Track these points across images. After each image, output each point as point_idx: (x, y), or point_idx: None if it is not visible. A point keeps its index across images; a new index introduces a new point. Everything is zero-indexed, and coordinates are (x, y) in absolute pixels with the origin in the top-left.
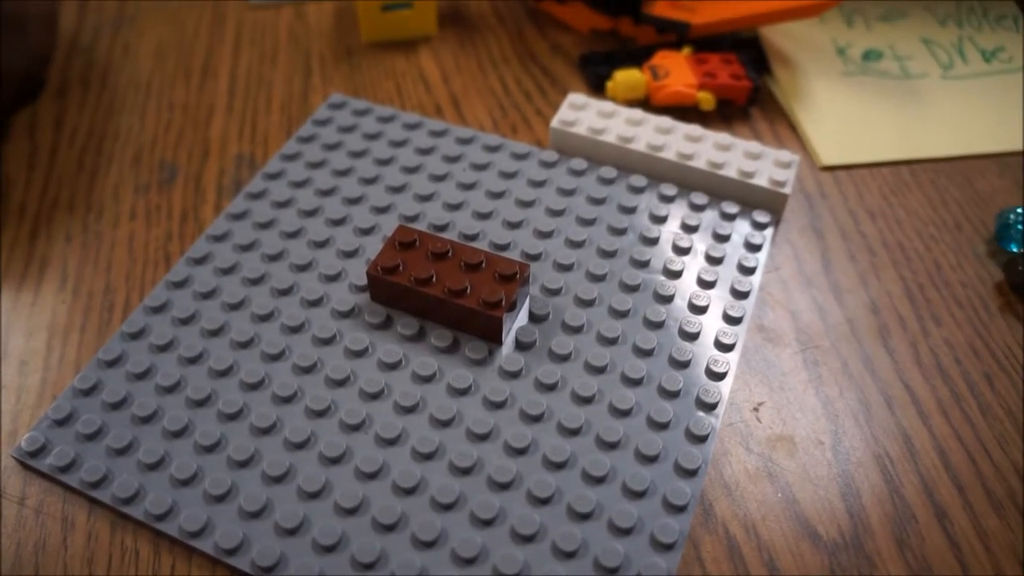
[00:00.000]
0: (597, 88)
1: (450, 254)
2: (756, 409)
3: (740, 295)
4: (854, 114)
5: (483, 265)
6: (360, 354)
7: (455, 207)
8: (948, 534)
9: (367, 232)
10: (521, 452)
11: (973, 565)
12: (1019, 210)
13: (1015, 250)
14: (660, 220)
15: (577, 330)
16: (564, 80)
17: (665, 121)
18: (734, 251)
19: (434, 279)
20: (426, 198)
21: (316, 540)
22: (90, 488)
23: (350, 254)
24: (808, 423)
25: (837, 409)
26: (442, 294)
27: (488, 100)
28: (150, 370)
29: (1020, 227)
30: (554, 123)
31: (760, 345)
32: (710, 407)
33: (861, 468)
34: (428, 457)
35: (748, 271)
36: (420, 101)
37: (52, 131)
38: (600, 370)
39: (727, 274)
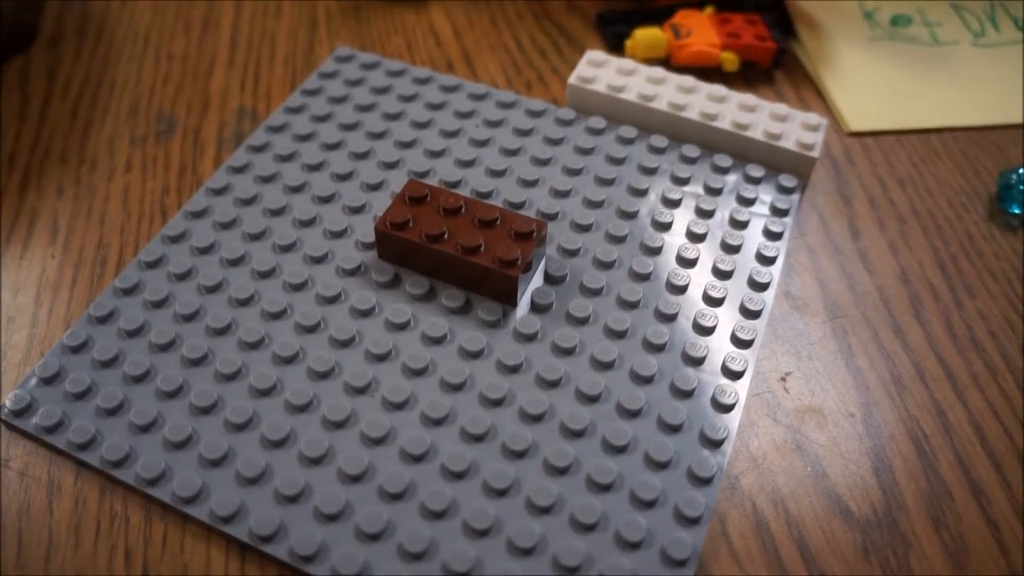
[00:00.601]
0: (615, 48)
1: (463, 210)
2: (784, 379)
3: (766, 261)
4: (882, 80)
5: (498, 222)
6: (366, 314)
7: (467, 164)
8: (985, 512)
9: (375, 188)
10: (537, 419)
11: (1012, 545)
12: (1021, 171)
13: (1016, 211)
14: (682, 182)
15: (596, 293)
16: (581, 39)
17: (688, 80)
18: (760, 216)
19: (446, 236)
20: (437, 154)
21: (318, 508)
22: (78, 450)
23: (357, 210)
24: (838, 395)
25: (868, 381)
26: (454, 251)
27: (502, 57)
28: (143, 327)
29: (1022, 187)
30: (572, 79)
31: (787, 313)
32: (736, 375)
33: (894, 443)
34: (438, 423)
35: (775, 236)
36: (431, 57)
37: (45, 81)
38: (621, 335)
39: (752, 239)
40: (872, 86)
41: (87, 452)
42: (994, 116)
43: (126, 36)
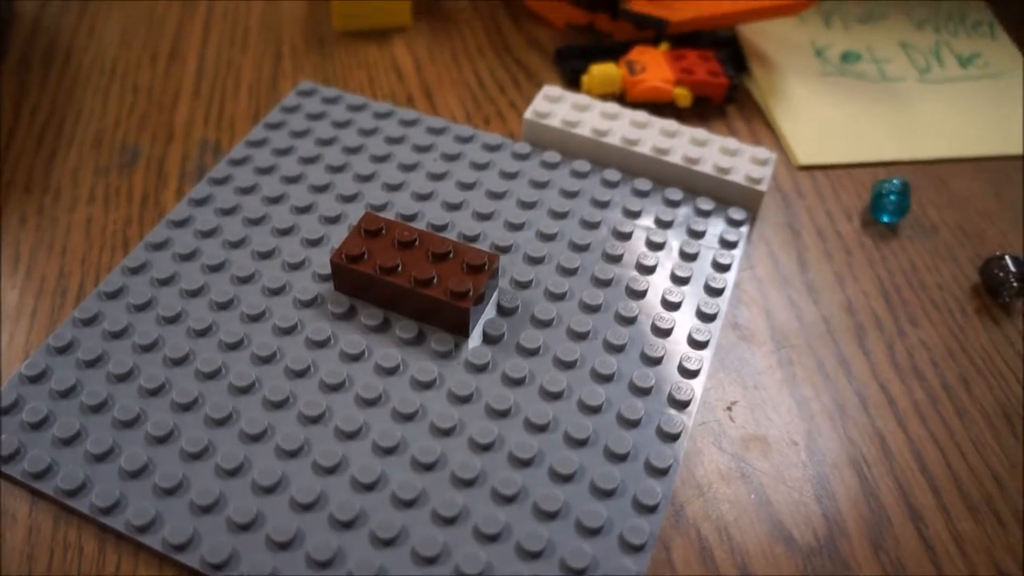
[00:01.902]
0: (573, 82)
1: (417, 243)
2: (729, 408)
3: (714, 292)
4: (831, 115)
5: (451, 255)
6: (321, 344)
7: (424, 197)
8: (923, 537)
9: (333, 221)
10: (486, 448)
11: (948, 568)
12: (895, 181)
13: (886, 220)
14: (634, 215)
15: (547, 324)
16: (539, 74)
17: (641, 115)
18: (709, 248)
19: (400, 268)
20: (395, 187)
21: (270, 536)
22: (33, 479)
23: (314, 242)
24: (782, 423)
25: (812, 409)
26: (408, 284)
27: (461, 92)
28: (102, 357)
29: (892, 197)
30: (528, 114)
31: (734, 343)
32: (682, 405)
33: (836, 470)
34: (389, 452)
35: (723, 268)
36: (392, 91)
37: (10, 110)
38: (570, 365)
39: (701, 271)
40: (822, 121)
41: (42, 481)
42: (938, 150)
43: (92, 66)
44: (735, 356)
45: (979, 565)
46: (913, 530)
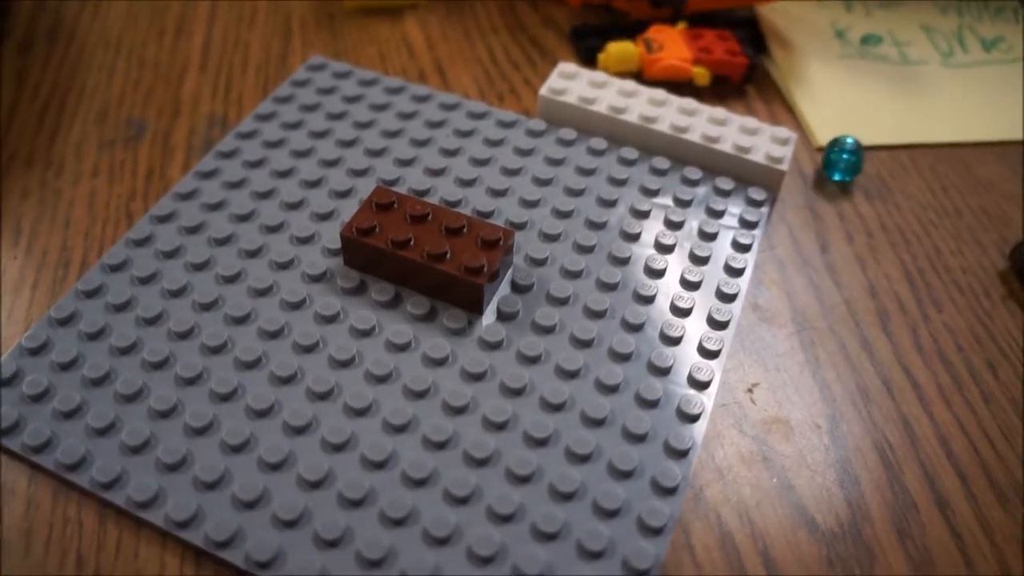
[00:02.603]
0: (588, 61)
1: (430, 217)
2: (750, 390)
3: (735, 272)
4: (852, 97)
5: (465, 230)
6: (331, 320)
7: (437, 173)
8: (950, 524)
9: (343, 195)
10: (500, 427)
11: (976, 557)
12: (849, 140)
13: (837, 179)
14: (652, 193)
15: (563, 302)
16: (555, 52)
17: (659, 93)
18: (728, 228)
19: (412, 242)
20: (407, 163)
21: (277, 514)
22: (32, 453)
23: (324, 216)
24: (804, 406)
25: (835, 393)
26: (420, 258)
27: (475, 69)
28: (104, 330)
29: (845, 156)
30: (543, 91)
31: (755, 324)
32: (702, 385)
33: (860, 454)
34: (400, 430)
35: (743, 248)
36: (404, 67)
37: (13, 85)
38: (586, 344)
39: (721, 250)
40: (842, 102)
41: (42, 455)
42: (961, 134)
43: (98, 41)
44: (755, 337)
45: (1009, 554)
46: (940, 517)
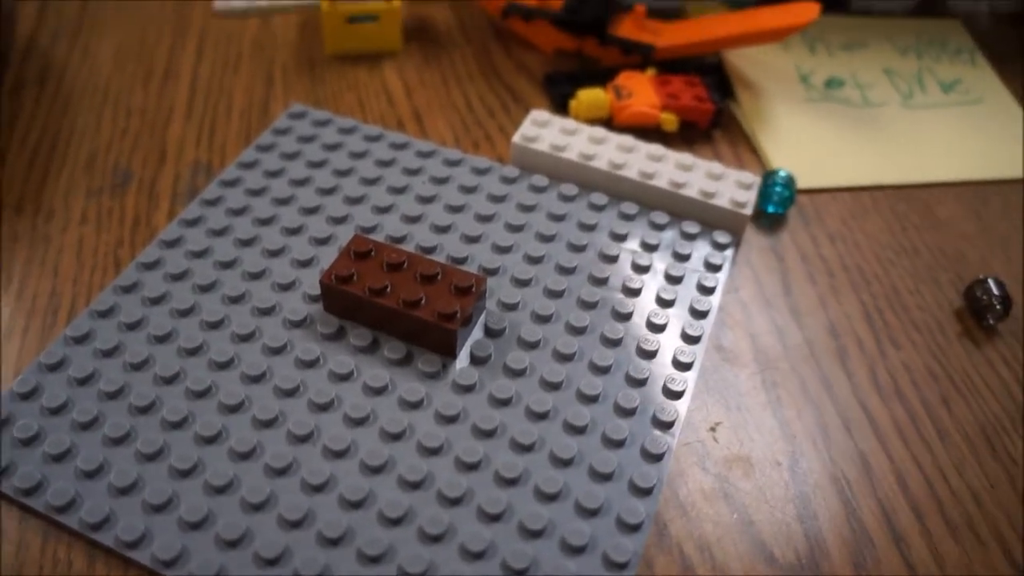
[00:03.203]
0: (561, 107)
1: (406, 265)
2: (713, 429)
3: (699, 315)
4: (816, 139)
5: (439, 277)
6: (311, 364)
7: (413, 219)
8: (905, 558)
9: (323, 242)
10: (472, 467)
11: None
12: (781, 173)
13: (771, 211)
14: (620, 238)
15: (533, 346)
16: (528, 98)
17: (627, 140)
18: (694, 271)
19: (389, 290)
20: (384, 210)
21: (258, 553)
22: (23, 495)
23: (305, 263)
24: (765, 444)
25: (795, 430)
26: (396, 305)
27: (451, 116)
28: (93, 375)
29: (778, 188)
30: (516, 138)
31: (718, 365)
32: (666, 426)
33: (819, 490)
34: (377, 471)
35: (708, 291)
36: (383, 114)
37: (4, 131)
38: (555, 386)
39: (686, 293)
40: (806, 145)
41: (32, 498)
42: (921, 175)
43: (86, 88)
44: (719, 378)
45: None
46: (896, 552)
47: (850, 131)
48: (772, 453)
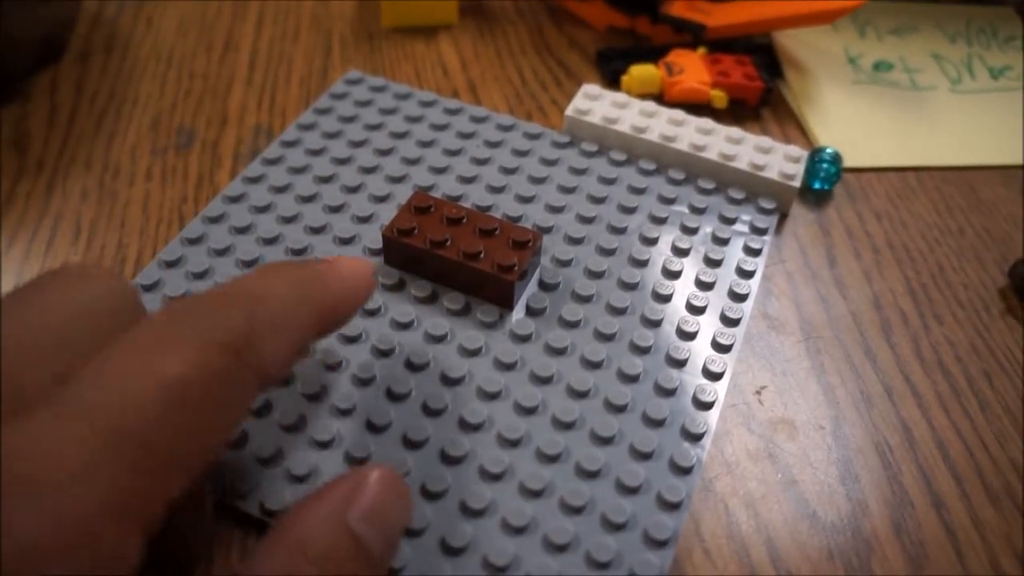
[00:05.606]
0: (612, 82)
1: (465, 220)
2: (759, 392)
3: (746, 274)
4: (863, 120)
5: (497, 232)
6: (373, 314)
7: (469, 180)
8: (944, 522)
9: (382, 200)
10: (531, 412)
11: (968, 552)
12: (828, 150)
13: (817, 187)
14: (669, 201)
15: (587, 300)
16: (580, 73)
17: (678, 114)
18: (740, 233)
19: (448, 243)
20: (440, 170)
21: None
22: None
23: (364, 219)
24: (809, 408)
25: (838, 397)
26: (456, 257)
27: (505, 88)
28: None
29: (824, 165)
30: (568, 111)
31: (764, 332)
32: (716, 376)
33: (861, 454)
34: (436, 414)
35: (754, 252)
36: (438, 86)
37: (73, 93)
38: (609, 338)
39: (733, 254)
40: (853, 125)
41: None
42: (967, 157)
43: (150, 54)
44: (765, 344)
45: (999, 551)
46: (935, 515)
47: (897, 113)
48: (815, 417)
